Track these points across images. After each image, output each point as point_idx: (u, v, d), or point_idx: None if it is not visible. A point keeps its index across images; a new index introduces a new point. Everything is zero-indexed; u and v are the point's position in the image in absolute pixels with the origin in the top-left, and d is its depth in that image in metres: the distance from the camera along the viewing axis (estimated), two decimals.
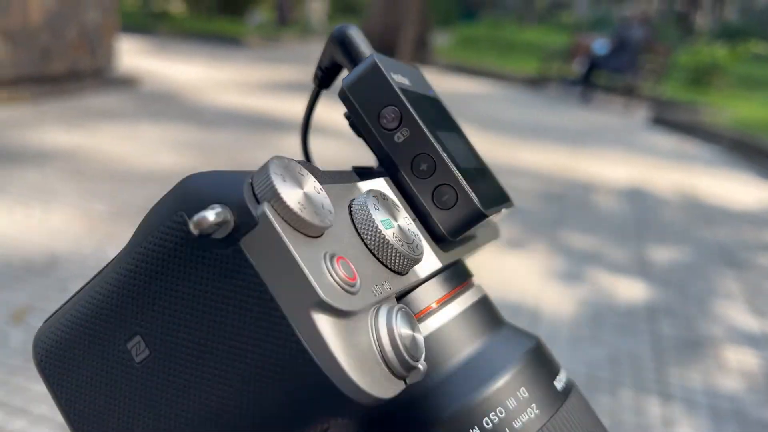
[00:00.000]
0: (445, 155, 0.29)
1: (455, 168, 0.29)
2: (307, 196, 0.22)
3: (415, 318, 0.24)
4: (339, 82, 0.33)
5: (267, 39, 11.64)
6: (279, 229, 0.21)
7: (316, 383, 0.21)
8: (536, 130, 5.77)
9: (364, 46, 0.34)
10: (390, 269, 0.25)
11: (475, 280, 0.34)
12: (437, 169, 0.29)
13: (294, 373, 0.21)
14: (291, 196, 0.21)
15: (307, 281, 0.20)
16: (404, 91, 0.30)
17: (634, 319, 2.19)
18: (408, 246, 0.25)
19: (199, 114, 4.62)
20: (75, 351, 0.25)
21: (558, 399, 0.28)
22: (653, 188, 4.17)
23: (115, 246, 2.19)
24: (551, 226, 3.11)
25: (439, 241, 0.29)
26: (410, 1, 10.05)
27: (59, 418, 1.35)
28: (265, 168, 0.22)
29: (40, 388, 1.45)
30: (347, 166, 0.34)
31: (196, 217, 0.21)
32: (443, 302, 0.29)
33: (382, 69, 0.30)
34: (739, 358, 1.99)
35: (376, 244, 0.24)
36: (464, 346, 0.29)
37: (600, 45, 8.65)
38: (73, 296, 0.26)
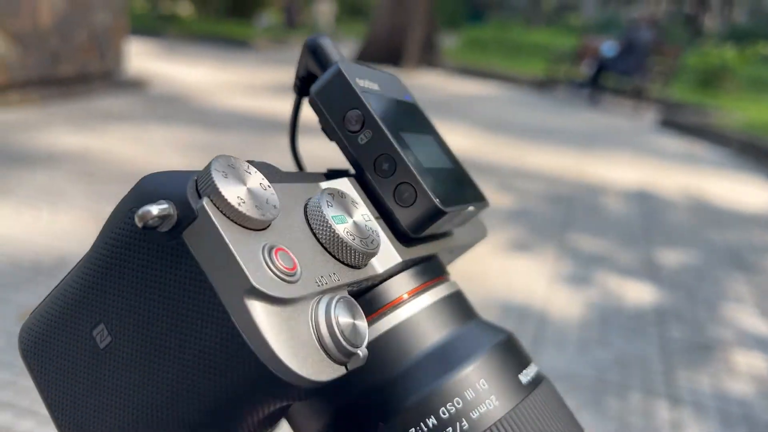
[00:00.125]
0: (404, 155, 0.30)
1: (414, 167, 0.30)
2: (250, 191, 0.24)
3: (358, 307, 0.25)
4: None
5: (275, 41, 11.67)
6: (216, 221, 0.22)
7: (250, 366, 0.22)
8: (544, 133, 5.75)
9: (334, 54, 0.35)
10: (342, 262, 0.26)
11: (451, 277, 0.35)
12: (397, 169, 0.30)
13: (231, 356, 0.22)
14: (230, 191, 0.23)
15: (241, 269, 0.22)
16: (369, 95, 0.31)
17: (642, 322, 2.17)
18: (361, 240, 0.26)
19: (207, 116, 4.64)
20: (52, 341, 0.27)
21: (521, 392, 0.29)
22: (662, 191, 4.15)
23: None
24: (559, 229, 3.10)
25: (403, 237, 0.30)
26: (417, 3, 10.05)
27: None
28: (207, 166, 0.23)
29: None
30: (343, 167, 0.35)
31: (140, 211, 0.22)
32: (414, 294, 0.31)
33: (345, 75, 0.31)
34: (749, 362, 1.97)
35: (327, 238, 0.26)
36: (431, 337, 0.30)
37: (608, 47, 8.63)
38: (52, 290, 0.28)
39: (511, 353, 0.31)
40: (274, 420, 0.26)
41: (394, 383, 0.29)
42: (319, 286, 0.24)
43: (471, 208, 0.33)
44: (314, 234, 0.26)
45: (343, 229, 0.26)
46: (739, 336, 2.16)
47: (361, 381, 0.29)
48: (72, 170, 3.01)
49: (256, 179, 0.25)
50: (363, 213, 0.29)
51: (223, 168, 0.24)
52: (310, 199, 0.27)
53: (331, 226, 0.26)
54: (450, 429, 0.27)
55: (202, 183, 0.23)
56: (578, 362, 1.85)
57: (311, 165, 0.39)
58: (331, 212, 0.26)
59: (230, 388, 0.23)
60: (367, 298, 0.30)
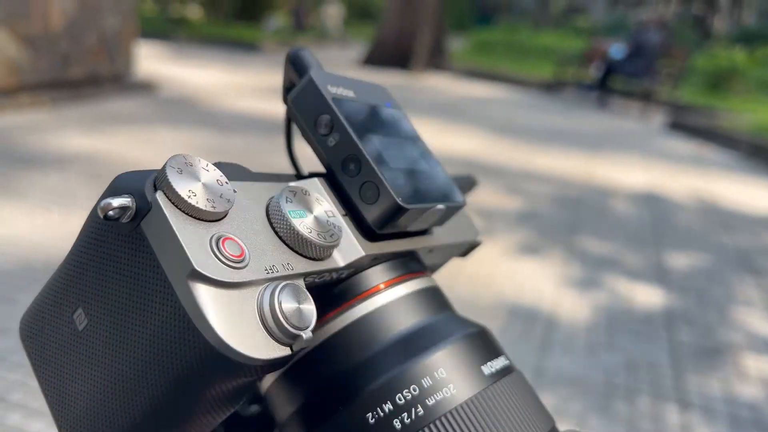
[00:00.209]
0: (369, 155, 0.32)
1: (377, 166, 0.31)
2: (205, 186, 0.26)
3: (306, 293, 0.27)
4: None
5: (283, 44, 11.70)
6: (166, 211, 0.25)
7: (195, 343, 0.24)
8: (552, 135, 5.74)
9: (311, 64, 0.37)
10: (300, 254, 0.28)
11: (431, 274, 0.36)
12: (362, 168, 0.32)
13: (180, 334, 0.24)
14: (182, 185, 0.25)
15: (185, 254, 0.24)
16: (340, 101, 0.33)
17: (651, 325, 2.17)
18: (318, 234, 0.28)
19: (216, 119, 4.66)
20: (43, 326, 0.30)
21: (482, 382, 0.30)
22: (670, 193, 4.13)
23: None
24: (567, 231, 3.09)
25: (368, 233, 0.32)
26: (426, 7, 10.05)
27: None
28: (164, 164, 0.26)
29: None
30: None
31: (101, 203, 0.25)
32: (391, 284, 0.33)
33: (316, 82, 0.33)
34: (759, 366, 1.96)
35: (284, 231, 0.28)
36: (399, 325, 0.32)
37: (616, 49, 8.60)
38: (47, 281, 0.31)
39: (477, 345, 0.32)
40: (236, 398, 0.27)
41: (359, 369, 0.30)
42: (268, 273, 0.26)
43: (439, 206, 0.34)
44: (273, 227, 0.28)
45: (300, 222, 0.28)
46: (750, 340, 2.15)
47: (331, 365, 0.31)
48: (82, 172, 3.03)
49: (213, 176, 0.27)
50: (327, 209, 0.30)
51: (178, 165, 0.26)
52: (273, 196, 0.30)
53: (287, 220, 0.28)
54: (405, 414, 0.28)
55: (158, 179, 0.25)
56: (587, 366, 1.85)
57: (310, 168, 0.39)
58: (289, 207, 0.28)
59: (183, 364, 0.25)
60: (344, 286, 0.32)
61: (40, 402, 1.43)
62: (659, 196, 4.04)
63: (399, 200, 0.31)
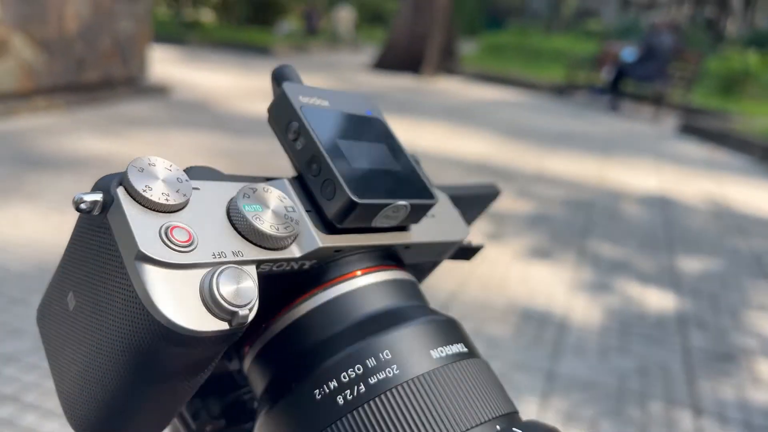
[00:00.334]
0: (328, 156, 0.35)
1: (335, 166, 0.34)
2: (163, 182, 0.29)
3: (247, 275, 0.29)
4: None
5: (295, 48, 11.75)
6: (123, 203, 0.28)
7: (143, 317, 0.27)
8: (564, 138, 5.73)
9: (291, 79, 0.40)
10: (253, 243, 0.31)
11: (407, 269, 0.39)
12: (322, 168, 0.34)
13: (133, 310, 0.28)
14: (140, 182, 0.29)
15: (133, 237, 0.27)
16: (310, 109, 0.37)
17: (664, 330, 2.16)
18: (271, 226, 0.31)
19: (229, 122, 4.69)
20: (49, 310, 0.34)
21: (428, 365, 0.31)
22: (683, 197, 4.11)
23: None
24: (579, 235, 3.08)
25: (330, 227, 0.35)
26: (437, 10, 10.06)
27: None
28: (128, 165, 0.30)
29: None
30: None
31: (75, 198, 0.28)
32: (367, 272, 0.36)
33: (287, 94, 0.37)
34: None
35: (239, 223, 0.31)
36: (363, 309, 0.34)
37: (628, 52, 8.57)
38: None
39: (432, 332, 0.33)
40: (196, 371, 0.31)
41: (317, 348, 0.33)
42: (215, 257, 0.29)
43: (401, 202, 0.36)
44: (230, 220, 0.31)
45: (253, 215, 0.31)
46: (764, 345, 2.13)
47: (295, 345, 0.34)
48: (97, 174, 3.05)
49: (174, 175, 0.30)
50: (287, 205, 0.33)
51: (140, 165, 0.30)
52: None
53: (241, 212, 0.31)
54: (348, 391, 0.30)
55: (122, 177, 0.29)
56: (599, 370, 1.84)
57: None
58: (245, 202, 0.31)
59: (137, 337, 0.28)
60: (313, 273, 0.35)
61: (54, 403, 1.44)
62: (671, 199, 4.02)
63: (352, 195, 0.33)
